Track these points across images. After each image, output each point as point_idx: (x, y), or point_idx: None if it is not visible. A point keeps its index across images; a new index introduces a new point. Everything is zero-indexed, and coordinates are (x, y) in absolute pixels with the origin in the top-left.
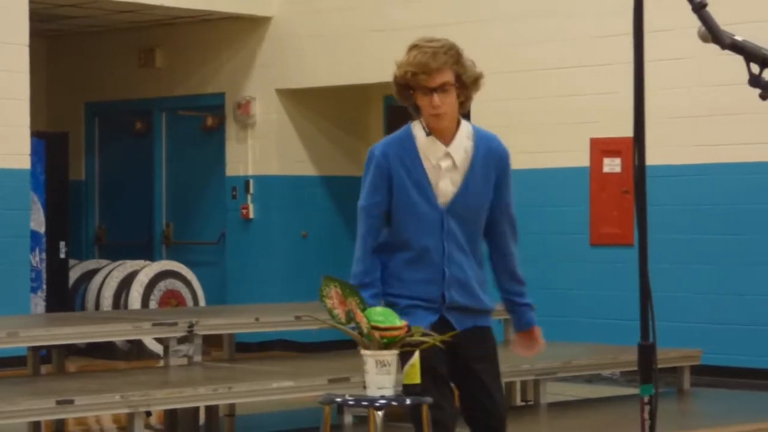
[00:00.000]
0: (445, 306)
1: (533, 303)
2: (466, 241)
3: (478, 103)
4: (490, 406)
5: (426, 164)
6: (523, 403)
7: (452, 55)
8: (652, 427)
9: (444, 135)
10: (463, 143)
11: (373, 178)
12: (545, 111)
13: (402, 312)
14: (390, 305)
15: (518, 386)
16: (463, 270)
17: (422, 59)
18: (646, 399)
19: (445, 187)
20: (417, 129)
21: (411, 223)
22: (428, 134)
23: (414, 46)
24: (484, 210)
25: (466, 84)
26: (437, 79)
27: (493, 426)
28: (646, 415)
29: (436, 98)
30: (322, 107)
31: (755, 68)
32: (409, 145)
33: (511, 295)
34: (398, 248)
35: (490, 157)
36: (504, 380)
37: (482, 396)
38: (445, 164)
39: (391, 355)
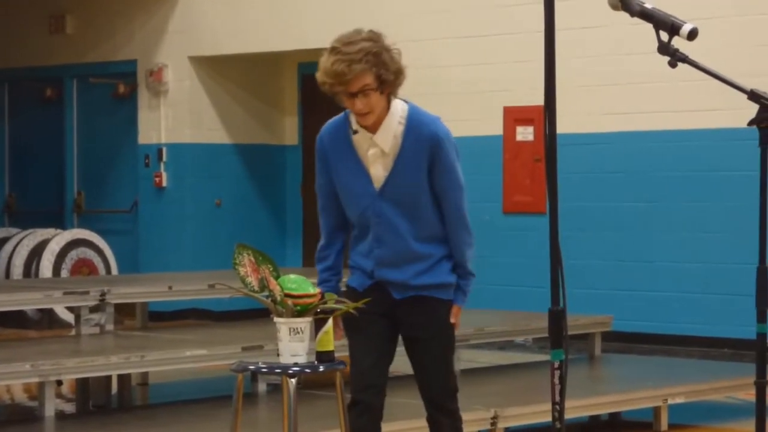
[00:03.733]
0: (375, 280)
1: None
2: (404, 222)
3: None
4: (421, 373)
5: (359, 150)
6: None
7: (369, 59)
8: (561, 392)
9: (372, 124)
10: (391, 129)
11: (317, 160)
12: (458, 79)
13: (350, 269)
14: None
15: None
16: (394, 251)
17: (338, 69)
18: (556, 364)
19: (377, 172)
20: (352, 116)
21: (348, 204)
22: (354, 132)
23: (332, 50)
24: (422, 193)
25: (387, 81)
26: (356, 85)
27: (426, 396)
28: (556, 380)
29: (358, 102)
30: (235, 75)
31: (664, 36)
32: (343, 130)
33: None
34: (352, 223)
35: (419, 142)
36: None
37: (415, 364)
38: (372, 152)
39: (304, 323)
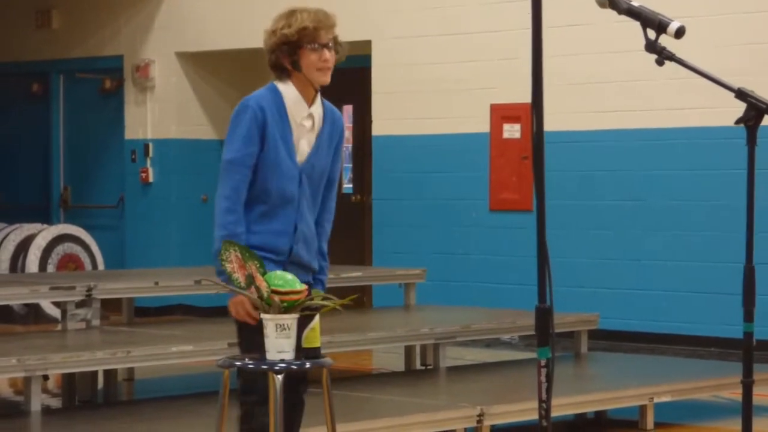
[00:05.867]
0: (289, 259)
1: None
2: (313, 201)
3: (379, 68)
4: None
5: (292, 122)
6: (423, 367)
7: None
8: (548, 390)
9: (307, 97)
10: (318, 108)
11: (248, 128)
12: (445, 77)
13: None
14: None
15: (418, 350)
16: (310, 227)
17: (320, 16)
18: (543, 362)
19: (303, 146)
20: (284, 88)
21: (275, 176)
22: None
23: (300, 10)
24: (325, 176)
25: (338, 48)
26: (331, 35)
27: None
28: (543, 378)
29: (327, 53)
30: (221, 70)
31: (651, 34)
32: (278, 101)
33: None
34: (255, 201)
35: (334, 126)
36: (404, 344)
37: None
38: (307, 124)
39: (290, 319)
